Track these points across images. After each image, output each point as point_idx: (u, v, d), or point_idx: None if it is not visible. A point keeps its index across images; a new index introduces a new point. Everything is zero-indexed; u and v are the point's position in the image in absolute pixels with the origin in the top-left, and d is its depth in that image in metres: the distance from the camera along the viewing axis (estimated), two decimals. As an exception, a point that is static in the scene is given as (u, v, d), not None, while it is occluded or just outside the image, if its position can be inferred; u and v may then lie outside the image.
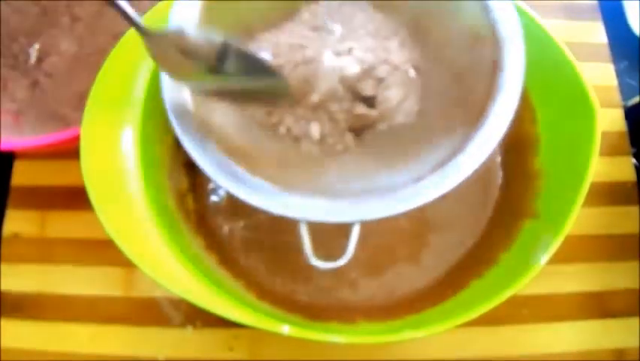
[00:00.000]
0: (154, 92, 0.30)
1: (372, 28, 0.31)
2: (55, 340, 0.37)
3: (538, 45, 0.31)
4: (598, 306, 0.38)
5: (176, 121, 0.27)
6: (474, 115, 0.27)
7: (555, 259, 0.29)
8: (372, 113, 0.29)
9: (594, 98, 0.31)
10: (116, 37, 0.31)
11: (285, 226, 0.38)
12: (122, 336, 0.37)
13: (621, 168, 0.42)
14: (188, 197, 0.38)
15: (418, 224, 0.39)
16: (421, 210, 0.38)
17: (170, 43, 0.25)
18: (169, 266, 0.29)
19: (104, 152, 0.31)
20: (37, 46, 0.42)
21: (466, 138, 0.26)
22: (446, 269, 0.37)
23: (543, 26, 0.32)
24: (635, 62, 0.47)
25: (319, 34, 0.30)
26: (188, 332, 0.37)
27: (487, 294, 0.29)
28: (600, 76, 0.45)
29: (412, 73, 0.30)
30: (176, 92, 0.27)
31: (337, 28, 0.30)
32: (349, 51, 0.29)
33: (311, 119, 0.29)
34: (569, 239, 0.29)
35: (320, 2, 0.32)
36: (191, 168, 0.38)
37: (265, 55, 0.30)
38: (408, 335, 0.29)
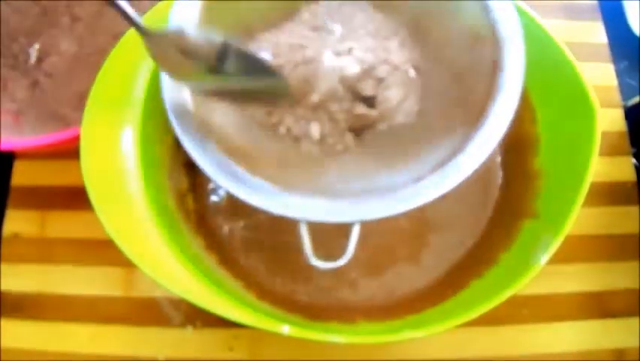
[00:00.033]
0: (154, 92, 0.30)
1: (372, 28, 0.31)
2: (55, 340, 0.37)
3: (538, 45, 0.31)
4: (598, 306, 0.38)
5: (176, 121, 0.27)
6: (474, 115, 0.27)
7: (555, 259, 0.29)
8: (372, 113, 0.29)
9: (594, 98, 0.31)
10: (116, 37, 0.31)
11: (285, 226, 0.38)
12: (122, 336, 0.37)
13: (621, 168, 0.42)
14: (188, 197, 0.38)
15: (418, 224, 0.39)
16: (421, 210, 0.38)
17: (170, 43, 0.25)
18: (169, 266, 0.29)
19: (104, 152, 0.31)
20: (37, 46, 0.42)
21: (466, 138, 0.26)
22: (446, 269, 0.37)
23: (543, 26, 0.32)
24: (635, 62, 0.47)
25: (319, 34, 0.30)
26: (188, 332, 0.37)
27: (487, 294, 0.29)
28: (600, 76, 0.45)
29: (412, 73, 0.30)
30: (176, 92, 0.27)
31: (337, 28, 0.30)
32: (349, 51, 0.29)
33: (311, 119, 0.29)
34: (569, 239, 0.29)
35: (320, 2, 0.32)
36: (191, 168, 0.38)
37: (265, 55, 0.30)
38: (408, 335, 0.29)
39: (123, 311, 0.37)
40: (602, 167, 0.42)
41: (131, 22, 0.24)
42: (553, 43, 0.32)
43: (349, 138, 0.30)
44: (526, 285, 0.28)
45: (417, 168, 0.26)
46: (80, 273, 0.38)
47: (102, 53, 0.32)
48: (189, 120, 0.27)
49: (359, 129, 0.30)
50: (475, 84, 0.28)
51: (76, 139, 0.30)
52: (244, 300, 0.33)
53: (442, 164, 0.25)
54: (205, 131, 0.27)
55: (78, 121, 0.30)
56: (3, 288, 0.38)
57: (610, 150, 0.42)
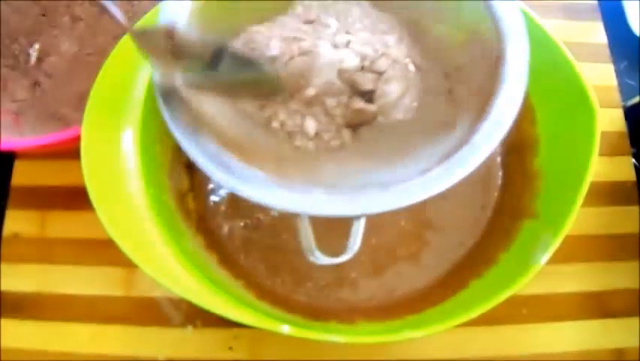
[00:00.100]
0: (154, 92, 0.30)
1: (369, 22, 0.31)
2: (55, 340, 0.37)
3: (538, 45, 0.31)
4: (598, 306, 0.38)
5: (168, 115, 0.26)
6: (477, 109, 0.26)
7: (555, 259, 0.29)
8: (371, 108, 0.29)
9: (594, 99, 0.31)
10: (117, 37, 0.31)
11: (285, 226, 0.38)
12: (122, 336, 0.37)
13: (621, 168, 0.42)
14: (188, 197, 0.38)
15: (418, 224, 0.39)
16: (421, 211, 0.39)
17: (161, 40, 0.25)
18: (169, 266, 0.29)
19: (104, 152, 0.31)
20: (37, 46, 0.42)
21: (471, 131, 0.25)
22: (446, 269, 0.37)
23: (542, 26, 0.32)
24: (635, 62, 0.47)
25: (314, 28, 0.30)
26: (188, 332, 0.37)
27: (487, 294, 0.29)
28: (600, 76, 0.45)
29: (411, 67, 0.30)
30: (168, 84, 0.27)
31: (332, 22, 0.30)
32: (347, 44, 0.29)
33: (305, 113, 0.29)
34: (568, 239, 0.29)
35: None
36: (191, 168, 0.39)
37: (264, 48, 0.29)
38: (408, 335, 0.29)
39: (123, 311, 0.37)
40: (602, 167, 0.42)
41: (116, 19, 0.24)
42: (552, 43, 0.32)
43: (346, 133, 0.29)
44: (526, 285, 0.28)
45: (418, 163, 0.26)
46: (80, 273, 0.38)
47: (102, 54, 0.32)
48: (181, 113, 0.26)
49: (356, 125, 0.29)
50: (478, 79, 0.27)
51: (77, 139, 0.30)
52: (244, 300, 0.33)
53: (447, 156, 0.25)
54: (199, 123, 0.26)
55: (78, 121, 0.31)
56: (3, 288, 0.38)
57: (610, 150, 0.42)
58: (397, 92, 0.29)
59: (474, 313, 0.28)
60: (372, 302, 0.37)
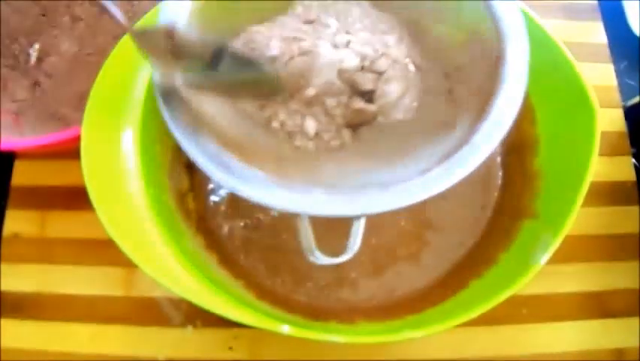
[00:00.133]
0: (154, 92, 0.30)
1: (369, 22, 0.30)
2: (55, 340, 0.37)
3: (538, 45, 0.31)
4: (598, 306, 0.38)
5: (168, 115, 0.26)
6: (478, 109, 0.26)
7: (555, 259, 0.29)
8: (371, 108, 0.29)
9: (594, 99, 0.31)
10: (117, 37, 0.31)
11: (285, 226, 0.38)
12: (122, 336, 0.37)
13: (621, 168, 0.42)
14: (188, 197, 0.38)
15: (418, 224, 0.39)
16: (421, 211, 0.39)
17: (161, 40, 0.25)
18: (169, 266, 0.29)
19: (104, 152, 0.31)
20: (37, 46, 0.42)
21: (471, 131, 0.25)
22: (446, 269, 0.37)
23: (542, 26, 0.32)
24: (635, 62, 0.47)
25: (314, 28, 0.30)
26: (188, 331, 0.37)
27: (487, 294, 0.29)
28: (600, 76, 0.45)
29: (411, 67, 0.30)
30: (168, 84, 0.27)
31: (332, 22, 0.30)
32: (347, 44, 0.29)
33: (305, 113, 0.29)
34: (568, 239, 0.29)
35: None
36: (191, 168, 0.39)
37: (264, 48, 0.29)
38: (408, 335, 0.29)
39: (123, 311, 0.37)
40: (602, 167, 0.42)
41: (116, 19, 0.24)
42: (552, 43, 0.32)
43: (346, 133, 0.29)
44: (526, 285, 0.28)
45: (418, 163, 0.26)
46: (80, 273, 0.38)
47: (102, 54, 0.32)
48: (180, 112, 0.26)
49: (356, 125, 0.29)
50: (478, 79, 0.27)
51: (77, 139, 0.30)
52: (244, 300, 0.33)
53: (447, 156, 0.25)
54: (199, 123, 0.26)
55: (78, 121, 0.30)
56: (3, 288, 0.38)
57: (610, 150, 0.42)
58: (397, 92, 0.29)
59: (474, 314, 0.28)
60: (372, 302, 0.37)
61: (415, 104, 0.30)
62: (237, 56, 0.25)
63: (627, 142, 0.43)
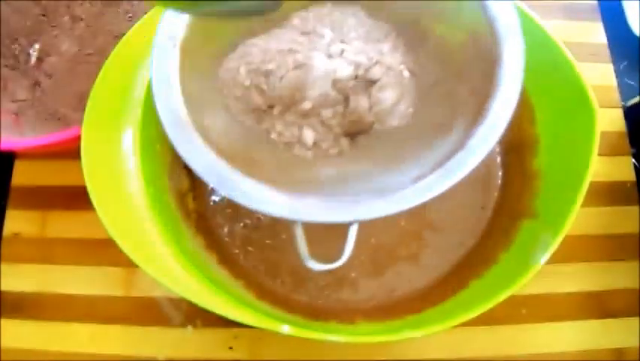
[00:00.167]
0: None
1: (364, 31, 0.30)
2: (55, 340, 0.37)
3: (538, 45, 0.31)
4: (597, 306, 0.38)
5: (168, 126, 0.26)
6: (474, 112, 0.26)
7: (554, 259, 0.29)
8: (367, 117, 0.29)
9: (593, 99, 0.31)
10: (117, 37, 0.31)
11: (285, 226, 0.38)
12: (122, 336, 0.37)
13: (621, 168, 0.42)
14: (189, 197, 0.38)
15: (418, 224, 0.39)
16: (421, 211, 0.39)
17: None
18: (169, 266, 0.29)
19: (105, 152, 0.31)
20: (37, 46, 0.42)
21: (467, 135, 0.26)
22: (446, 269, 0.37)
23: (542, 27, 0.32)
24: (635, 62, 0.47)
25: (309, 39, 0.30)
26: (188, 331, 0.37)
27: (487, 294, 0.29)
28: (600, 76, 0.45)
29: (406, 74, 0.30)
30: (169, 101, 0.27)
31: (327, 33, 0.30)
32: (341, 53, 0.29)
33: (303, 124, 0.29)
34: (568, 239, 0.29)
35: (309, 9, 0.31)
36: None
37: (260, 63, 0.29)
38: (407, 335, 0.29)
39: (123, 311, 0.37)
40: (602, 167, 0.42)
41: None
42: (552, 43, 0.32)
43: (344, 142, 0.29)
44: (526, 285, 0.29)
45: (416, 168, 0.26)
46: (80, 273, 0.38)
47: (102, 54, 0.32)
48: (182, 125, 0.26)
49: (354, 133, 0.30)
50: (474, 81, 0.27)
51: (77, 139, 0.30)
52: (244, 300, 0.33)
53: (442, 162, 0.25)
54: (198, 136, 0.26)
55: (78, 121, 0.31)
56: (3, 288, 0.38)
57: (609, 150, 0.42)
58: (392, 99, 0.29)
59: (474, 314, 0.28)
60: (372, 302, 0.37)
61: (410, 110, 0.30)
62: None
63: (627, 142, 0.43)
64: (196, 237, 0.36)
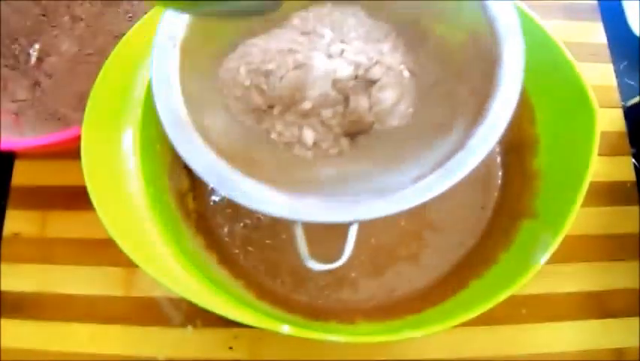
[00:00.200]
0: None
1: (364, 31, 0.30)
2: (55, 340, 0.37)
3: (538, 45, 0.31)
4: (597, 306, 0.38)
5: (169, 126, 0.26)
6: (474, 112, 0.26)
7: (554, 259, 0.29)
8: (367, 117, 0.29)
9: (593, 99, 0.31)
10: (117, 37, 0.31)
11: (285, 226, 0.38)
12: (122, 336, 0.37)
13: (621, 168, 0.42)
14: (189, 197, 0.38)
15: (418, 224, 0.39)
16: (421, 211, 0.39)
17: None
18: (169, 266, 0.29)
19: (104, 152, 0.31)
20: (37, 46, 0.42)
21: (467, 135, 0.26)
22: (446, 269, 0.37)
23: (542, 27, 0.32)
24: (635, 62, 0.47)
25: (309, 39, 0.30)
26: (188, 331, 0.37)
27: (487, 294, 0.29)
28: (600, 76, 0.45)
29: (406, 74, 0.30)
30: (169, 101, 0.27)
31: (327, 33, 0.30)
32: (341, 53, 0.29)
33: (303, 124, 0.29)
34: (568, 239, 0.29)
35: (309, 9, 0.31)
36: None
37: (260, 63, 0.29)
38: (407, 335, 0.29)
39: (123, 311, 0.38)
40: (602, 167, 0.42)
41: None
42: (552, 43, 0.32)
43: (344, 142, 0.29)
44: (526, 285, 0.29)
45: (416, 168, 0.26)
46: (80, 273, 0.38)
47: (102, 54, 0.32)
48: (182, 126, 0.26)
49: (354, 133, 0.30)
50: (474, 81, 0.27)
51: (77, 139, 0.30)
52: (244, 300, 0.33)
53: (442, 162, 0.25)
54: (198, 136, 0.26)
55: (78, 121, 0.31)
56: (3, 288, 0.38)
57: (609, 150, 0.42)
58: (392, 99, 0.29)
59: (474, 314, 0.28)
60: (372, 302, 0.37)
61: (410, 110, 0.30)
62: None
63: (627, 142, 0.43)
64: (196, 237, 0.36)
